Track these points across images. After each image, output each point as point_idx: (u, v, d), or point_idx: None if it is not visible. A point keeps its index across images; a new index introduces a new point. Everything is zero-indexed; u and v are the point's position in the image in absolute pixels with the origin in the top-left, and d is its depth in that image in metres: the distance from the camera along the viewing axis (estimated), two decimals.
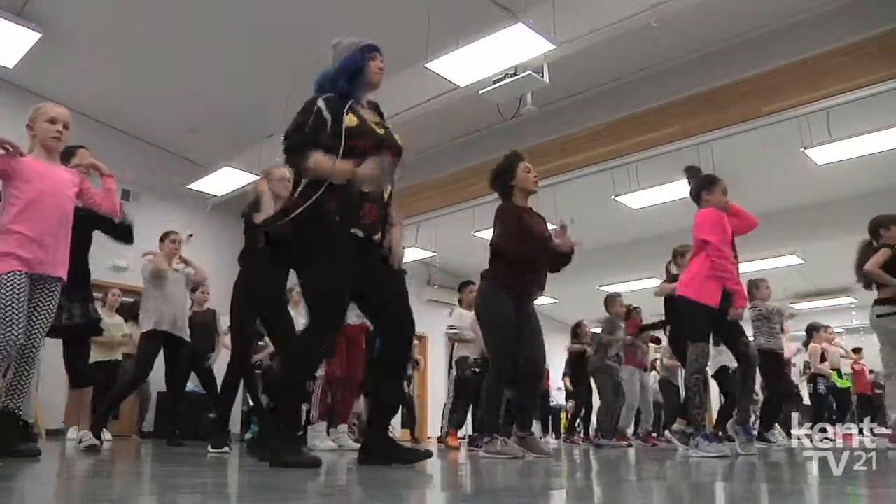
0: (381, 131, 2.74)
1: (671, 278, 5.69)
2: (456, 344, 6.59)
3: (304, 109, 2.63)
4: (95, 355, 6.68)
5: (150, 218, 8.97)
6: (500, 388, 3.77)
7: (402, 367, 2.88)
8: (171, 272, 5.43)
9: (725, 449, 3.94)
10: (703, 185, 4.20)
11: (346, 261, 2.54)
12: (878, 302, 4.67)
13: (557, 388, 11.46)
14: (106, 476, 2.47)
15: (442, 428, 7.33)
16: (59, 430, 6.85)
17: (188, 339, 5.53)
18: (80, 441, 3.81)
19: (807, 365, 8.55)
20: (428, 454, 2.74)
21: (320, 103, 2.61)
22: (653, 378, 10.97)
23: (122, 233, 3.95)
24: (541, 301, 14.21)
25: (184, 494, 1.69)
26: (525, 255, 3.71)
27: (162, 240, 5.50)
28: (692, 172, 4.36)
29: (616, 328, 6.99)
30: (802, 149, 6.87)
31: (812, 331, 8.12)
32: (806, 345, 8.14)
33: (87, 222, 3.75)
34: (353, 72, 2.71)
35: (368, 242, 2.64)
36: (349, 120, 2.61)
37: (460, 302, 6.79)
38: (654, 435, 7.56)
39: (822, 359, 8.03)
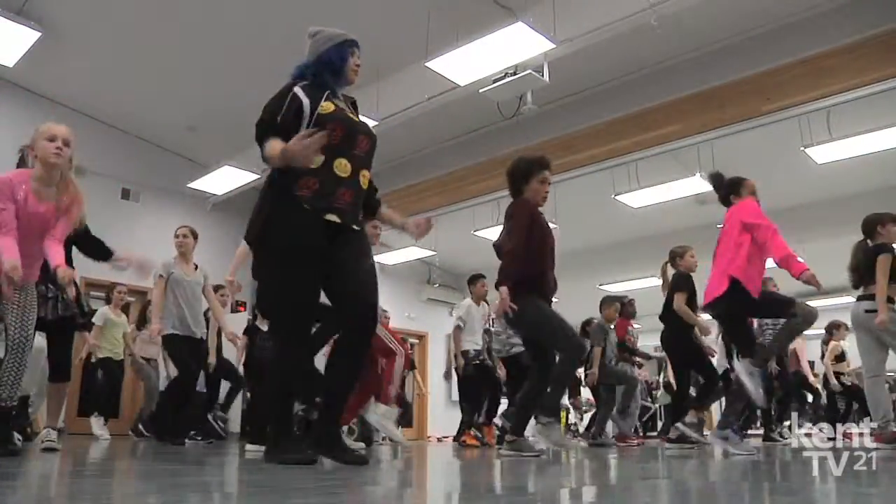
0: (356, 120, 2.76)
1: (667, 281, 5.69)
2: (459, 338, 6.60)
3: (280, 94, 2.64)
4: (101, 352, 6.74)
5: (151, 218, 9.02)
6: (574, 373, 3.70)
7: (357, 361, 2.75)
8: (189, 271, 5.40)
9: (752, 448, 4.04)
10: (732, 188, 4.23)
11: (312, 259, 2.55)
12: (866, 297, 4.58)
13: None
14: (107, 474, 2.47)
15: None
16: (59, 430, 6.85)
17: (204, 337, 5.52)
18: (43, 441, 3.69)
19: (810, 364, 8.52)
20: (363, 460, 2.60)
21: (297, 90, 2.63)
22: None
23: (94, 251, 3.90)
24: None
25: (187, 493, 1.70)
26: (534, 253, 3.68)
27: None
28: (715, 179, 4.37)
29: (606, 333, 6.92)
30: (802, 148, 6.87)
31: (832, 328, 8.07)
32: (826, 342, 8.10)
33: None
34: (335, 68, 2.72)
35: (340, 229, 2.62)
36: (325, 107, 2.62)
37: (471, 294, 6.79)
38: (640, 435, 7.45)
39: (842, 357, 7.97)
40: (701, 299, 4.63)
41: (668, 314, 5.38)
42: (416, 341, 12.52)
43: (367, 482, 2.10)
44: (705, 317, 4.96)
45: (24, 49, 6.52)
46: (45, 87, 7.67)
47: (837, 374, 7.82)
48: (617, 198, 8.51)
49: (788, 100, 6.25)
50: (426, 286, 12.68)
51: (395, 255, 10.48)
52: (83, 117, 8.18)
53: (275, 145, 2.51)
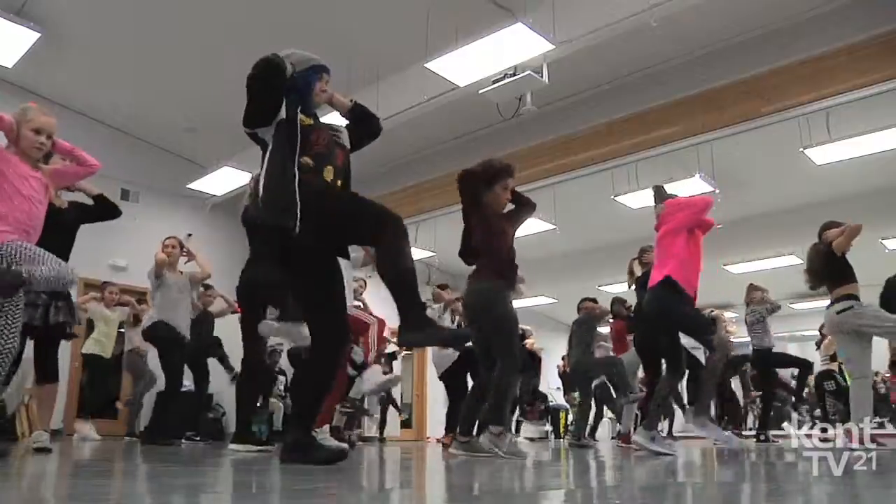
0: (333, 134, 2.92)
1: (634, 280, 5.71)
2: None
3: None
4: (91, 349, 6.73)
5: (150, 218, 9.01)
6: (515, 385, 3.72)
7: (331, 367, 2.84)
8: (175, 275, 5.53)
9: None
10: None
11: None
12: (837, 300, 4.68)
13: (556, 388, 11.45)
14: (104, 475, 2.46)
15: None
16: (57, 430, 6.85)
17: (187, 336, 5.59)
18: (35, 441, 3.66)
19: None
20: (343, 454, 2.73)
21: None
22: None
23: (107, 208, 4.01)
24: (540, 300, 14.10)
25: (182, 494, 1.69)
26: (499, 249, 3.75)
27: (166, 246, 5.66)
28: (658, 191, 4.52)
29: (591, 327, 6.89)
30: (802, 149, 6.86)
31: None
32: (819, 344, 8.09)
33: (75, 220, 3.81)
34: (300, 92, 2.86)
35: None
36: (304, 119, 2.81)
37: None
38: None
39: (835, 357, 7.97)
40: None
41: (639, 316, 5.41)
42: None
43: (368, 483, 2.09)
44: None
45: (24, 49, 6.50)
46: (45, 87, 7.66)
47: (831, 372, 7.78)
48: (616, 198, 8.50)
49: (788, 101, 6.24)
50: (425, 287, 12.67)
51: None
52: (83, 117, 8.18)
53: None
